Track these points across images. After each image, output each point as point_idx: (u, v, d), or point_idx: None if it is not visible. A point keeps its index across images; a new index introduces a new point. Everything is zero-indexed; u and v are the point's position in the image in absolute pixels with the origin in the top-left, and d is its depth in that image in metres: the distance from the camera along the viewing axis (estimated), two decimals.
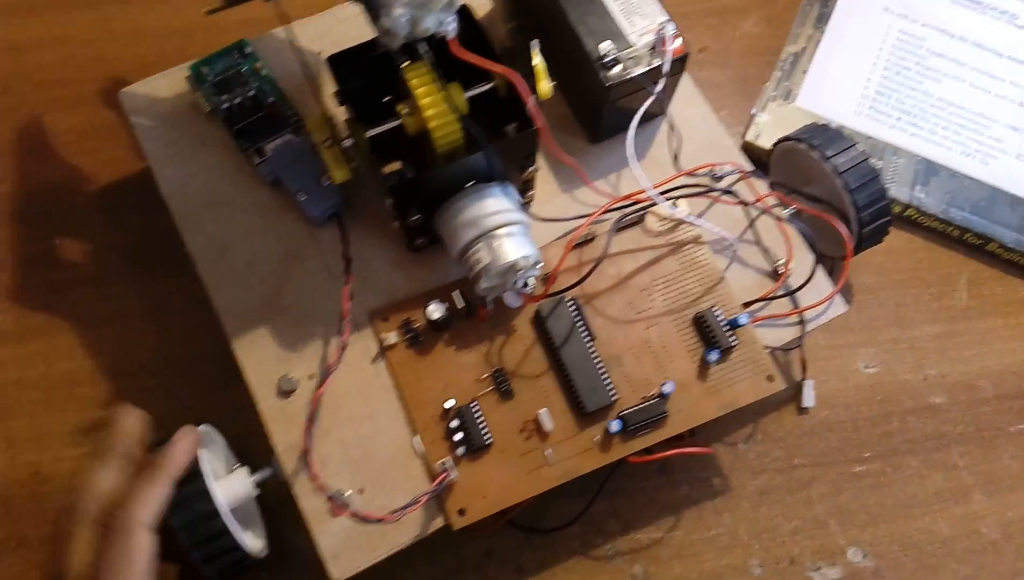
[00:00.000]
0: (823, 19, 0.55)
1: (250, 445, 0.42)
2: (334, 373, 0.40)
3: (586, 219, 0.41)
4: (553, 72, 0.37)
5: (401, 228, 0.40)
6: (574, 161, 0.39)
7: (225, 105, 0.43)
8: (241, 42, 0.45)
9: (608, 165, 0.44)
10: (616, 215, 0.42)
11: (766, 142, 0.51)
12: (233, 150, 0.44)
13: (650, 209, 0.42)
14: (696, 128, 0.45)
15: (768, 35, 0.56)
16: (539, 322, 0.41)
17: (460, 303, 0.40)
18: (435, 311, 0.39)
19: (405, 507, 0.37)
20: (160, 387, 0.46)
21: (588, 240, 0.42)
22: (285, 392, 0.40)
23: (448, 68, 0.35)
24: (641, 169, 0.41)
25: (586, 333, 0.40)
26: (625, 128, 0.44)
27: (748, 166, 0.44)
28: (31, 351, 0.46)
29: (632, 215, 0.42)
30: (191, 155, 0.44)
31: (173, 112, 0.44)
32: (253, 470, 0.39)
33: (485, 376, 0.40)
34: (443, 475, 0.37)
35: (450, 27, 0.31)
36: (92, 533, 0.34)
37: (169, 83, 0.45)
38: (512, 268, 0.37)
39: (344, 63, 0.38)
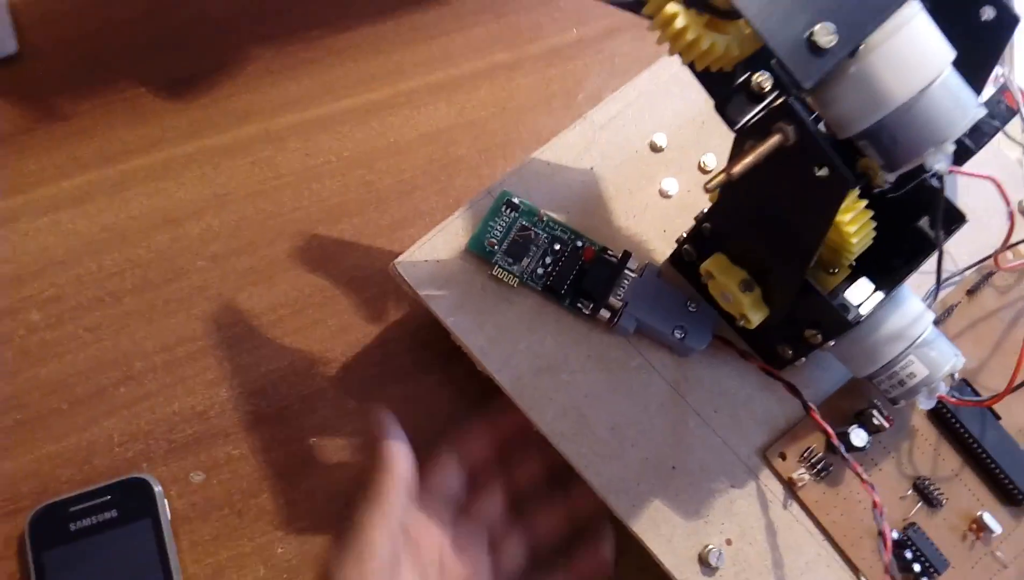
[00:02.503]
0: None
1: None
2: (750, 528, 0.35)
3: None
4: None
5: (793, 357, 0.36)
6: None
7: (537, 271, 0.37)
8: (504, 194, 0.39)
9: None
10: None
11: None
12: (543, 303, 0.38)
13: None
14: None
15: None
16: (942, 417, 0.37)
17: (884, 424, 0.36)
18: (858, 438, 0.35)
19: None
20: None
21: (948, 312, 0.39)
22: (712, 567, 0.35)
23: None
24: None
25: (994, 415, 0.37)
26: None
27: None
28: None
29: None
30: (502, 322, 0.37)
31: (464, 273, 0.38)
32: None
33: (908, 492, 0.37)
34: None
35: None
36: None
37: (444, 241, 0.38)
38: (949, 374, 0.34)
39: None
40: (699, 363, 0.38)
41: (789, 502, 0.36)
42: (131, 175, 0.45)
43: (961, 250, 0.41)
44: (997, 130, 0.36)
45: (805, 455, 0.36)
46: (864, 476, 0.33)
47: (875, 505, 0.33)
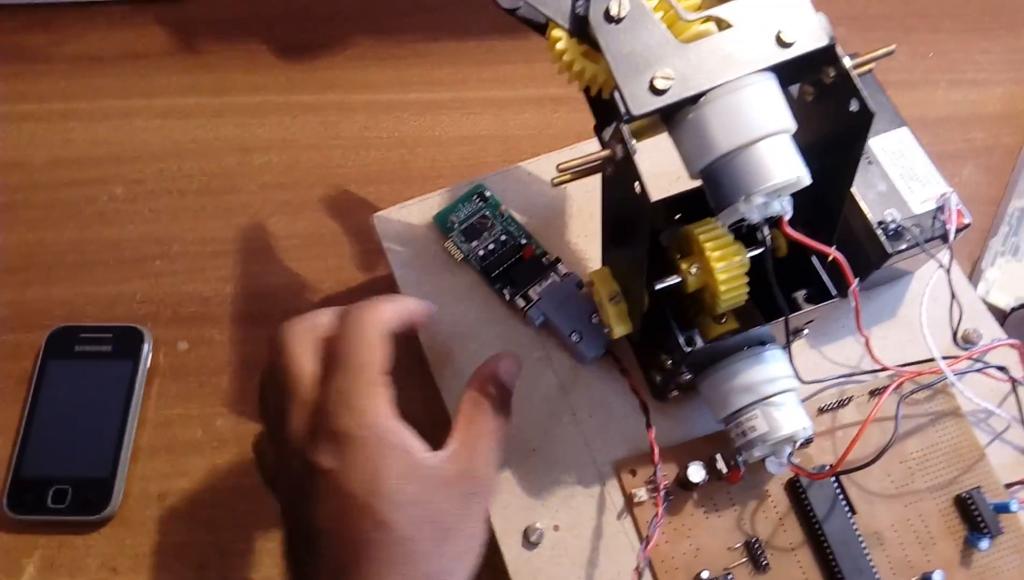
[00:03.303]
0: None
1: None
2: (580, 523, 0.39)
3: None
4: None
5: (661, 382, 0.39)
6: (867, 337, 0.38)
7: (480, 253, 0.43)
8: (479, 186, 0.45)
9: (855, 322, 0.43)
10: (886, 383, 0.41)
11: (998, 299, 0.49)
12: (479, 282, 0.44)
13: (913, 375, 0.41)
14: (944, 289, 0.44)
15: (987, 183, 0.55)
16: (796, 490, 0.39)
17: (723, 468, 0.38)
18: (695, 474, 0.38)
19: None
20: None
21: (842, 403, 0.41)
22: (532, 543, 0.39)
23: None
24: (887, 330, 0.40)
25: (847, 507, 0.39)
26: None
27: (1006, 337, 0.43)
28: (249, 460, 0.45)
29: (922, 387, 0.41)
30: (440, 286, 0.44)
31: (424, 240, 0.44)
32: None
33: (738, 545, 0.39)
34: None
35: (788, 207, 0.31)
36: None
37: (420, 211, 0.45)
38: (788, 439, 0.36)
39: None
40: (593, 373, 0.42)
41: (624, 515, 0.39)
42: (229, 107, 0.56)
43: (892, 354, 0.42)
44: (916, 243, 0.39)
45: (652, 479, 0.39)
46: (659, 468, 0.36)
47: (656, 515, 0.36)
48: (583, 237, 0.45)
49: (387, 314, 0.34)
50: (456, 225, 0.44)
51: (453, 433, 0.34)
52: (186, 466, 0.46)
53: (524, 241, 0.44)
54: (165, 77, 0.57)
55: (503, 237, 0.44)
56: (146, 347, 0.48)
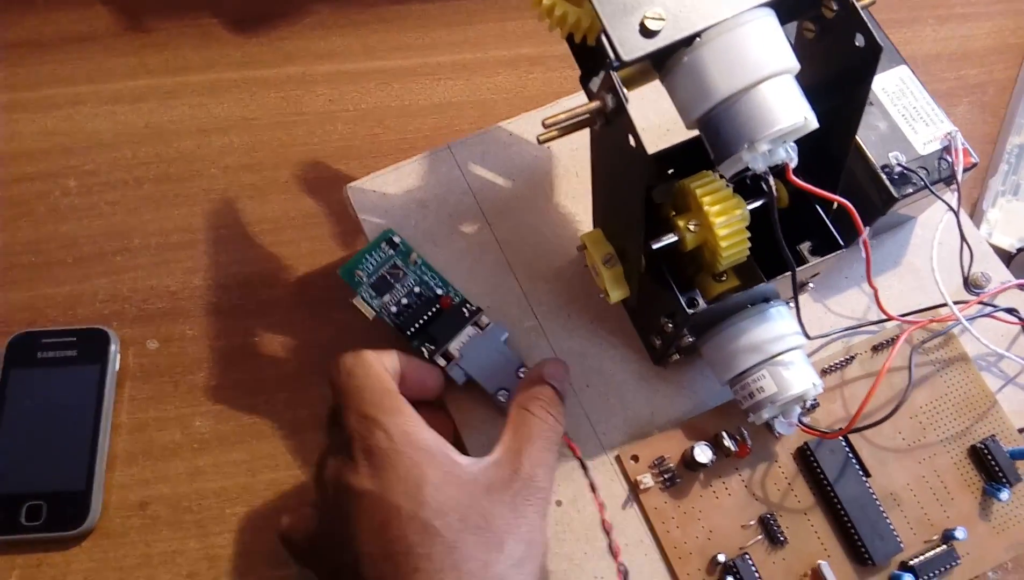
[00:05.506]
0: None
1: None
2: (583, 499, 0.37)
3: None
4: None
5: (661, 347, 0.37)
6: (876, 288, 0.36)
7: (393, 309, 0.40)
8: (387, 233, 0.41)
9: (859, 272, 0.41)
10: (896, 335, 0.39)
11: (1000, 240, 0.48)
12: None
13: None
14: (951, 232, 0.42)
15: (983, 121, 0.53)
16: (806, 458, 0.37)
17: (731, 447, 0.36)
18: (702, 455, 0.36)
19: None
20: None
21: (846, 362, 0.39)
22: None
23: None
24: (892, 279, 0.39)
25: (860, 470, 0.37)
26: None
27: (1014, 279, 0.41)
28: (232, 459, 0.44)
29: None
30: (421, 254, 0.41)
31: (403, 210, 0.42)
32: None
33: (752, 522, 0.37)
34: None
35: (794, 154, 0.29)
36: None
37: (396, 178, 0.42)
38: (798, 398, 0.34)
39: None
40: (587, 339, 0.40)
41: (629, 503, 0.37)
42: (183, 87, 0.52)
43: (898, 303, 0.40)
44: (924, 185, 0.37)
45: (656, 462, 0.37)
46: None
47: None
48: (570, 198, 0.43)
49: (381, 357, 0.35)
50: (364, 279, 0.40)
51: (499, 440, 0.34)
52: (166, 471, 0.44)
53: (440, 291, 0.40)
54: (112, 59, 0.53)
55: (416, 289, 0.40)
56: (113, 348, 0.45)
